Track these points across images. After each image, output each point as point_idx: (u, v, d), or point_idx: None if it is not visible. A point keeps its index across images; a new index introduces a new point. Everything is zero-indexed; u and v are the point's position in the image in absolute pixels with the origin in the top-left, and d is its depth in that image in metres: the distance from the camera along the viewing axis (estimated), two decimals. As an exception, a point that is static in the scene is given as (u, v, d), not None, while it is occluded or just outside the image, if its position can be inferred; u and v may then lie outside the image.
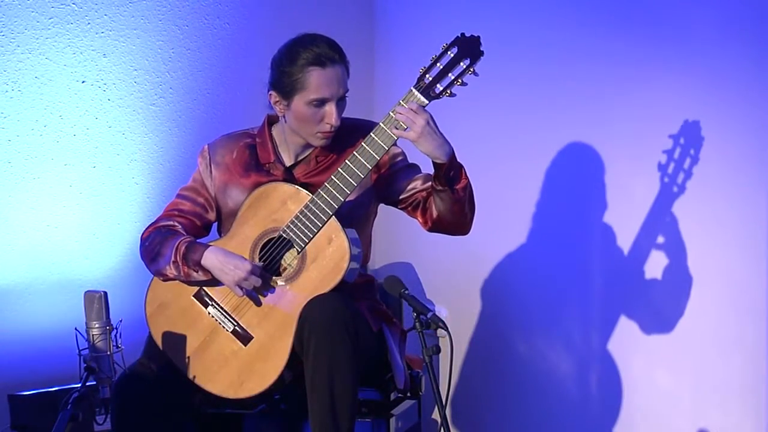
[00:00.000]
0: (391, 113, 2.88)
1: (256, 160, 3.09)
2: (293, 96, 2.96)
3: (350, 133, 3.04)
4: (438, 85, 2.85)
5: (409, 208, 3.12)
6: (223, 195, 3.08)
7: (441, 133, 2.90)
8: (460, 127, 3.13)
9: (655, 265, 3.74)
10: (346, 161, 2.90)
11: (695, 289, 3.67)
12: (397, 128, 2.88)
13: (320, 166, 3.06)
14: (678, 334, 3.70)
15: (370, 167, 2.91)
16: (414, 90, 2.87)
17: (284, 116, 3.03)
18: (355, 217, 3.03)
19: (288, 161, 3.09)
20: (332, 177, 2.90)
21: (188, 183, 3.13)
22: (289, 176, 3.06)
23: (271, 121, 3.15)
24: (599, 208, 3.86)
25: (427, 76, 2.86)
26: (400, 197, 3.10)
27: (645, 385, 3.79)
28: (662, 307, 3.74)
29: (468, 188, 2.99)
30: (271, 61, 3.02)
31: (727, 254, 3.61)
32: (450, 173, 2.93)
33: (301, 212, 2.92)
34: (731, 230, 3.60)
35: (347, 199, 2.92)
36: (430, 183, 3.04)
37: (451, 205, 2.97)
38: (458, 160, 2.94)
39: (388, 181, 3.10)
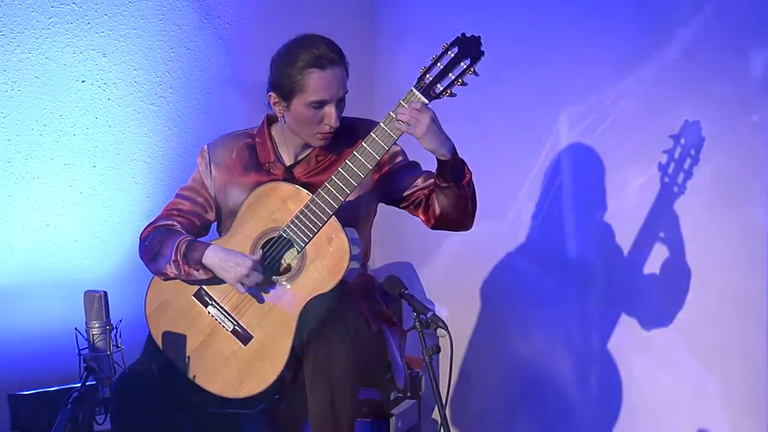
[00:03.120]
0: (392, 113, 2.86)
1: (255, 160, 3.06)
2: (292, 98, 2.93)
3: (350, 133, 3.03)
4: (438, 85, 2.83)
5: (411, 207, 3.09)
6: (223, 195, 3.06)
7: (443, 131, 2.87)
8: (458, 126, 3.12)
9: (655, 264, 3.73)
10: (347, 161, 2.89)
11: (695, 289, 3.67)
12: (399, 126, 2.84)
13: (320, 166, 3.04)
14: (678, 334, 3.70)
15: (371, 167, 2.88)
16: (414, 90, 2.85)
17: (283, 117, 3.01)
18: (355, 216, 3.02)
19: (288, 161, 3.07)
20: (332, 177, 2.88)
21: (188, 183, 3.12)
22: (289, 176, 3.04)
23: (271, 120, 3.12)
24: (599, 208, 3.86)
25: (428, 76, 2.83)
26: (403, 195, 3.08)
27: (645, 385, 3.79)
28: (662, 307, 3.74)
29: (471, 183, 2.97)
30: (271, 62, 2.99)
31: (727, 253, 3.61)
32: (454, 169, 2.91)
33: (302, 212, 2.90)
34: (731, 229, 3.60)
35: (347, 199, 2.90)
36: (431, 181, 3.03)
37: (456, 200, 2.95)
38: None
39: (389, 180, 3.08)
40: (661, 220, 3.70)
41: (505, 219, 4.06)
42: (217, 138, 3.15)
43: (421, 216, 3.08)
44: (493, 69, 2.97)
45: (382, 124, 2.88)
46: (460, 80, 2.83)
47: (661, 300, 3.74)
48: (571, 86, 3.88)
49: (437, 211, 3.01)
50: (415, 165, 3.12)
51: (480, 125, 4.07)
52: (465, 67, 2.82)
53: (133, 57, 3.65)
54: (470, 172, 2.98)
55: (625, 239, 3.80)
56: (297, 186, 2.94)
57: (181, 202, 3.09)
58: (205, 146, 3.12)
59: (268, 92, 3.00)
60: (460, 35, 2.82)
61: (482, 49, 2.82)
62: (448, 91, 2.84)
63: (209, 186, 3.08)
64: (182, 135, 3.81)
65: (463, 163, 2.96)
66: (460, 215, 3.00)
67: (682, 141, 3.63)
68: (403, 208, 3.12)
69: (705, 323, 3.64)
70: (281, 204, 2.94)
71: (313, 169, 3.05)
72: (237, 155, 3.08)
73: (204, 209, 3.09)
